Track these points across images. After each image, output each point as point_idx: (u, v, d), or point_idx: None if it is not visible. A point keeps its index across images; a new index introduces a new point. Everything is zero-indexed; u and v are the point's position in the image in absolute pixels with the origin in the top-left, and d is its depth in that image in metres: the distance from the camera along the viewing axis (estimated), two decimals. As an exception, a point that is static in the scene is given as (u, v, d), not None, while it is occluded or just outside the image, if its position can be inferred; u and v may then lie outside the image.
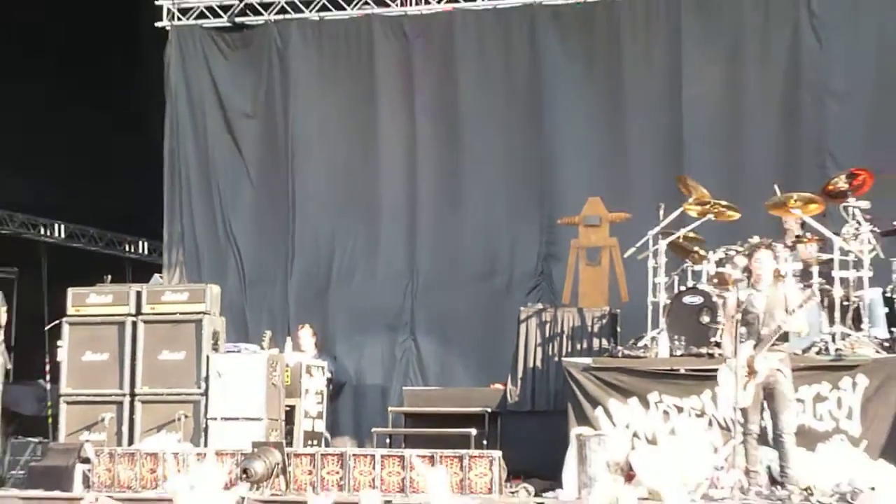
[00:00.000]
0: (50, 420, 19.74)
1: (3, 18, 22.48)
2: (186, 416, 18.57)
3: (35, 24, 22.86)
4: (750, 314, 15.30)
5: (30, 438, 19.36)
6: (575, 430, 16.66)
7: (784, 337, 15.29)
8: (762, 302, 15.33)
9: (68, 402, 19.25)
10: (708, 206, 18.54)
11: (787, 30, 21.24)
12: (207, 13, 23.16)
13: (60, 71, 22.99)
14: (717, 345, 16.87)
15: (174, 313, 19.21)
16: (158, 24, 23.04)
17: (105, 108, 23.13)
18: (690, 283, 18.24)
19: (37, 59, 23.05)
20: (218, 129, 23.25)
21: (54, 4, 22.45)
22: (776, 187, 17.97)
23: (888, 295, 17.92)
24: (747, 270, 16.41)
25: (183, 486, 13.96)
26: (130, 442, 18.45)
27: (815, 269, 17.46)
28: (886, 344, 17.22)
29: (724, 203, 18.62)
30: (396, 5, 22.80)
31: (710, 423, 16.57)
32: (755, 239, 17.17)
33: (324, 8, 23.08)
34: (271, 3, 23.13)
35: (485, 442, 18.13)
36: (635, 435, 16.58)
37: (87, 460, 17.49)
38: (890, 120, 20.63)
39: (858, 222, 17.76)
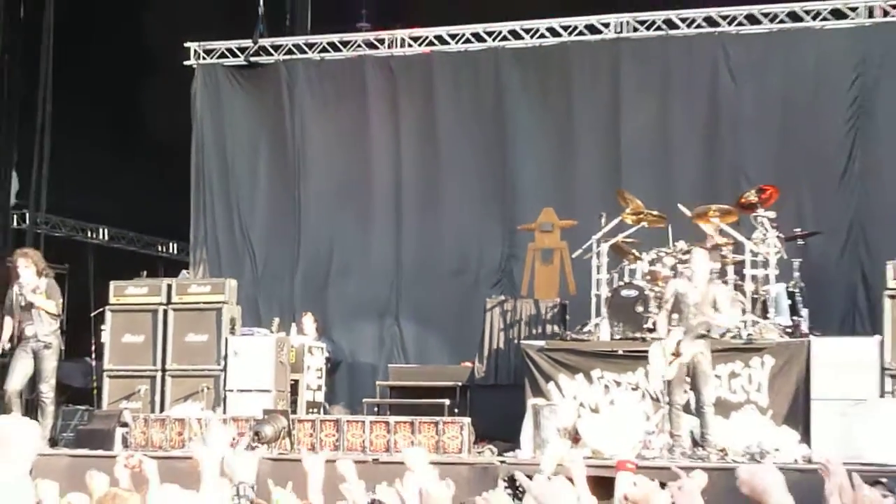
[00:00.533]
0: (94, 391, 19.52)
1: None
2: (208, 388, 18.45)
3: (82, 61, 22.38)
4: (682, 304, 15.42)
5: (78, 406, 19.18)
6: (531, 401, 16.67)
7: (708, 328, 15.50)
8: (695, 296, 15.41)
9: (110, 377, 19.13)
10: (642, 216, 18.46)
11: (707, 70, 21.05)
12: (227, 53, 22.79)
13: (107, 100, 22.52)
14: (650, 330, 16.76)
15: (198, 303, 19.07)
16: (186, 63, 22.69)
17: (142, 133, 22.78)
18: (627, 279, 18.06)
19: (93, 94, 22.62)
20: (236, 149, 22.96)
21: (109, 50, 22.07)
22: (681, 207, 18.07)
23: (790, 289, 17.89)
24: (674, 269, 17.03)
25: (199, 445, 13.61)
26: (161, 409, 18.27)
27: (730, 268, 17.49)
28: (789, 330, 17.33)
29: (655, 213, 18.56)
30: (384, 48, 22.52)
31: (643, 396, 16.44)
32: (681, 243, 17.63)
33: (324, 50, 22.77)
34: (280, 46, 22.81)
35: (456, 410, 17.80)
36: (581, 405, 16.42)
37: (125, 424, 17.29)
38: (793, 144, 20.53)
39: (766, 229, 17.88)
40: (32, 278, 16.91)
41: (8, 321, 17.08)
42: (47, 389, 17.01)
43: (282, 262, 22.60)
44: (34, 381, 16.98)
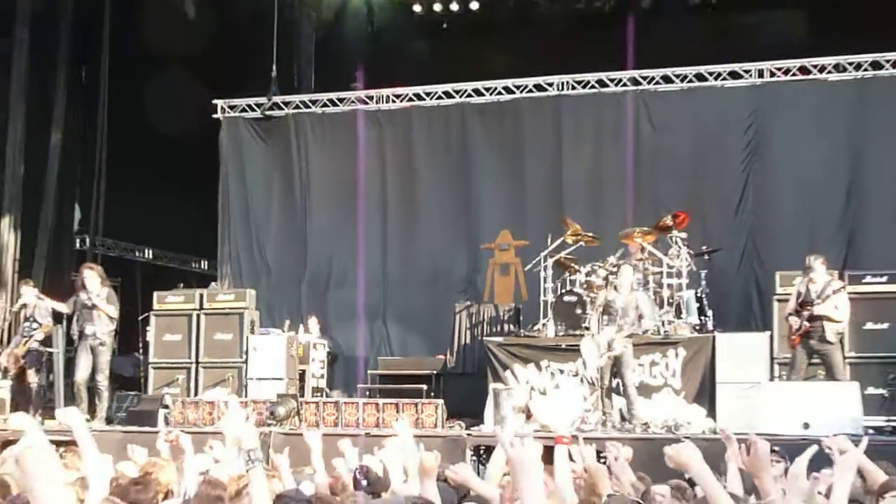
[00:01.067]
0: (142, 379, 19.44)
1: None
2: (233, 377, 18.44)
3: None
4: (612, 308, 15.49)
5: (128, 392, 19.03)
6: (492, 386, 16.58)
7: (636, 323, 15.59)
8: (621, 302, 15.47)
9: (154, 368, 19.11)
10: (580, 237, 18.59)
11: (631, 121, 20.99)
12: (247, 108, 22.71)
13: (152, 146, 22.56)
14: (587, 328, 16.59)
15: (225, 308, 19.06)
16: (214, 116, 22.69)
17: (179, 172, 22.73)
18: (568, 288, 18.17)
19: (140, 141, 22.64)
20: (254, 185, 22.86)
21: (154, 105, 22.05)
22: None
23: (698, 295, 17.87)
24: (606, 279, 16.92)
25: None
26: (195, 394, 18.21)
27: (651, 278, 17.64)
28: (697, 327, 17.47)
29: (590, 235, 18.68)
30: (373, 103, 22.44)
31: (581, 381, 16.27)
32: (612, 259, 17.64)
33: (325, 105, 22.73)
34: (290, 102, 22.76)
35: (432, 394, 17.78)
36: (532, 388, 16.30)
37: (166, 406, 17.29)
38: (700, 179, 20.61)
39: (679, 247, 18.10)
40: (96, 287, 17.00)
41: (69, 305, 17.29)
42: (102, 378, 17.06)
43: (291, 276, 22.46)
44: (93, 372, 16.97)
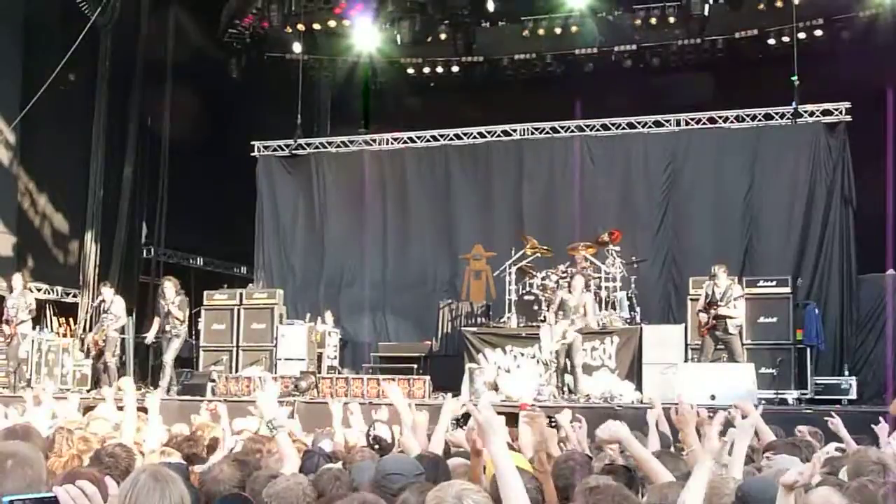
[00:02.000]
0: (194, 359, 19.37)
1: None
2: (265, 358, 18.43)
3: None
4: (566, 306, 15.57)
5: (184, 369, 19.02)
6: (468, 366, 16.62)
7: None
8: (574, 301, 15.60)
9: (203, 350, 19.08)
10: (537, 249, 18.51)
11: (577, 159, 20.94)
12: (278, 148, 22.60)
13: (204, 176, 22.55)
14: (543, 320, 16.68)
15: (259, 304, 19.03)
16: (252, 154, 22.60)
17: (225, 196, 22.71)
18: (528, 289, 18.09)
19: (194, 172, 22.53)
20: (282, 208, 22.70)
21: (207, 144, 22.08)
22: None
23: (629, 295, 17.95)
24: (557, 282, 17.11)
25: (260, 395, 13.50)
26: (236, 371, 18.10)
27: (592, 282, 17.45)
28: (628, 320, 17.50)
29: (545, 247, 18.60)
30: (376, 145, 22.30)
31: (538, 362, 16.25)
32: (561, 267, 17.71)
33: (338, 146, 22.57)
34: (311, 143, 22.66)
35: (421, 371, 17.77)
36: (499, 368, 16.23)
37: (213, 380, 17.27)
38: (630, 204, 20.60)
39: (614, 258, 18.06)
40: (172, 295, 17.13)
41: (157, 321, 17.36)
42: (169, 360, 17.14)
43: (311, 279, 22.29)
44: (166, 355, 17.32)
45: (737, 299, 15.26)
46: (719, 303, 15.23)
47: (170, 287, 17.28)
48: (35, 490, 3.65)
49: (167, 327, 17.11)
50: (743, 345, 15.80)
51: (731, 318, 15.18)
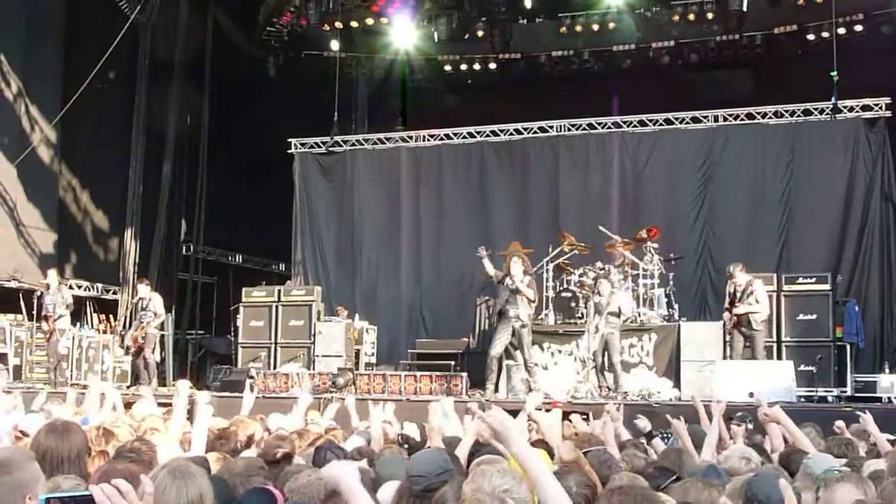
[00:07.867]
0: (233, 356, 19.43)
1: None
2: (303, 355, 18.37)
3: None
4: (599, 304, 15.40)
5: (223, 365, 19.09)
6: (506, 362, 16.36)
7: (617, 316, 15.49)
8: (604, 300, 15.37)
9: (242, 347, 19.03)
10: (574, 246, 18.46)
11: (615, 156, 20.97)
12: (315, 145, 22.65)
13: (242, 175, 22.77)
14: (581, 317, 16.75)
15: (297, 301, 18.95)
16: (289, 151, 22.63)
17: (263, 195, 22.79)
18: (565, 286, 17.99)
19: (233, 170, 22.87)
20: (319, 207, 22.72)
21: (244, 143, 22.36)
22: (602, 229, 18.22)
23: (667, 292, 17.79)
24: (595, 280, 16.62)
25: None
26: (274, 367, 18.11)
27: (630, 279, 17.49)
28: (666, 317, 17.35)
29: (582, 244, 18.54)
30: (412, 142, 22.38)
31: (576, 359, 16.31)
32: (599, 264, 17.65)
33: (374, 143, 22.66)
34: (347, 140, 22.71)
35: (458, 368, 17.55)
36: (536, 364, 16.00)
37: (252, 377, 17.17)
38: (668, 201, 20.56)
39: (652, 254, 17.89)
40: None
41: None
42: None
43: (346, 277, 22.33)
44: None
45: (753, 294, 15.19)
46: (737, 301, 15.25)
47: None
48: (9, 498, 3.56)
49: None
50: (781, 341, 15.84)
51: (752, 313, 15.13)
